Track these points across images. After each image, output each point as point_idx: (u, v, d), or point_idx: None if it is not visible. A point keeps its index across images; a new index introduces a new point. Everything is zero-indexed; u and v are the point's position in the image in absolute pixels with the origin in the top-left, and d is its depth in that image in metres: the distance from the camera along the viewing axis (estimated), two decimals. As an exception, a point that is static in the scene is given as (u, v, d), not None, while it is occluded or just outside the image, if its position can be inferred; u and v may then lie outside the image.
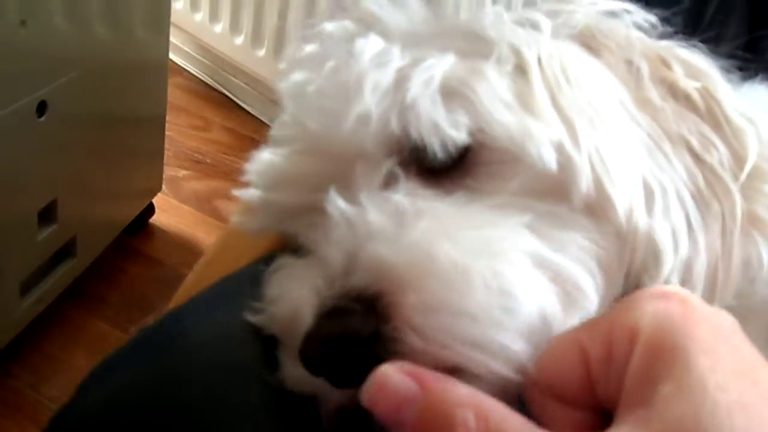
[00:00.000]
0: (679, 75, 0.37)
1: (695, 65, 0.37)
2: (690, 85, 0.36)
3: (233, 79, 1.96)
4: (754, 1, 0.64)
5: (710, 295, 0.35)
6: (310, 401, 0.33)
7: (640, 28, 0.38)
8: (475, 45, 0.36)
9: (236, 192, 0.41)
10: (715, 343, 0.25)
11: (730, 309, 0.34)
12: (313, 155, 0.38)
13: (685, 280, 0.34)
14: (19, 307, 1.12)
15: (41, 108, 1.03)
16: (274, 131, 0.40)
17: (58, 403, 1.15)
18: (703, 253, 0.35)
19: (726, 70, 0.38)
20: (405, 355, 0.29)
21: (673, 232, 0.34)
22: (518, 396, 0.29)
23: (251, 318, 0.36)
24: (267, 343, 0.36)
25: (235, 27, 1.79)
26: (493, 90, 0.34)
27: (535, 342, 0.30)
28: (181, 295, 0.50)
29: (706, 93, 0.36)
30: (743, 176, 0.35)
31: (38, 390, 1.17)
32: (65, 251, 1.22)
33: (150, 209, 1.52)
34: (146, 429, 0.35)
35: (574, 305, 0.32)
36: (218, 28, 1.82)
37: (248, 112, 1.94)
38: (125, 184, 1.38)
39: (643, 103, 0.36)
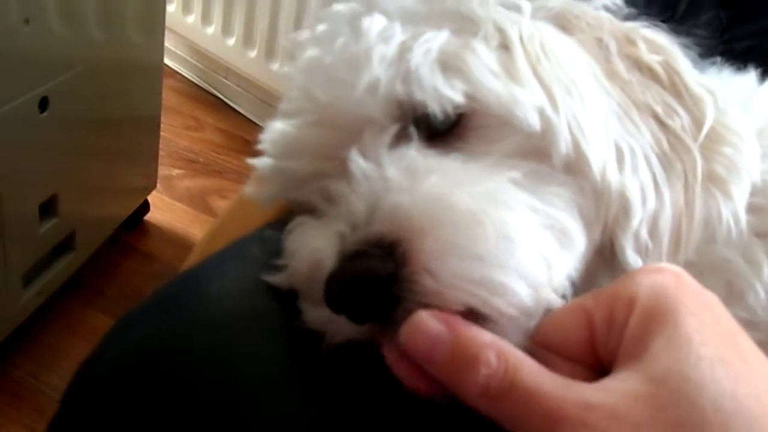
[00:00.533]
0: (643, 50, 0.41)
1: (657, 42, 0.42)
2: (653, 59, 0.41)
3: (225, 80, 1.99)
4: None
5: (675, 247, 0.39)
6: (318, 343, 0.37)
7: (608, 10, 0.43)
8: (464, 24, 0.40)
9: (250, 161, 0.44)
10: (702, 309, 0.29)
11: (692, 265, 0.38)
12: (323, 125, 0.41)
13: (653, 232, 0.38)
14: (21, 298, 1.16)
15: (43, 104, 1.06)
16: (284, 105, 0.44)
17: (58, 391, 1.19)
18: (668, 207, 0.38)
19: (686, 47, 0.42)
20: (420, 295, 0.32)
21: (641, 188, 0.38)
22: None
23: (269, 278, 0.40)
24: (277, 295, 0.40)
25: (227, 29, 1.82)
26: (483, 62, 0.38)
27: (541, 283, 0.34)
28: (192, 259, 0.54)
29: (668, 66, 0.41)
30: (701, 138, 0.39)
31: (39, 379, 1.20)
32: (65, 245, 1.26)
33: (145, 206, 1.56)
34: (169, 374, 0.37)
35: (566, 247, 0.36)
36: (210, 30, 1.85)
37: (239, 113, 1.98)
38: (122, 181, 1.42)
39: (612, 75, 0.40)
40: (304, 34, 0.45)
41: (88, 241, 1.32)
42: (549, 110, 0.37)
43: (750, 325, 0.37)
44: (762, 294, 0.39)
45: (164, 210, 1.62)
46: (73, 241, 1.27)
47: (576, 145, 0.37)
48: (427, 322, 0.31)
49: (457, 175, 0.36)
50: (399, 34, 0.39)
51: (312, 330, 0.37)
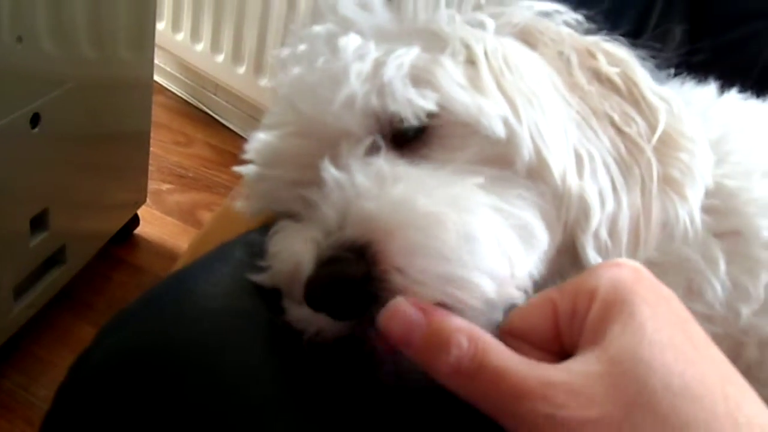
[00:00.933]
0: (602, 62, 0.44)
1: (616, 54, 0.44)
2: (612, 71, 0.43)
3: (214, 96, 2.02)
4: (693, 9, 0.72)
5: (634, 246, 0.41)
6: (296, 336, 0.40)
7: (569, 25, 0.46)
8: (433, 41, 0.43)
9: (236, 168, 0.47)
10: (656, 300, 0.32)
11: (655, 264, 0.41)
12: (303, 136, 0.44)
13: (612, 232, 0.41)
14: (12, 311, 1.17)
15: (35, 120, 1.08)
16: (267, 119, 0.46)
17: (48, 402, 1.19)
18: (626, 208, 0.41)
19: (642, 59, 0.45)
20: (392, 292, 0.35)
21: (600, 191, 0.41)
22: None
23: (253, 278, 0.42)
24: (259, 294, 0.42)
25: (215, 46, 1.84)
26: (450, 75, 0.41)
27: (503, 278, 0.36)
28: (180, 264, 0.56)
29: (626, 76, 0.43)
30: (654, 141, 0.42)
31: (29, 390, 1.21)
32: (55, 258, 1.27)
33: (135, 220, 1.58)
34: (158, 370, 0.39)
35: (530, 245, 0.39)
36: (199, 47, 1.87)
37: (229, 128, 2.00)
38: (112, 196, 1.43)
39: (573, 86, 0.43)
40: (285, 52, 0.47)
41: (79, 254, 1.34)
42: (512, 119, 0.40)
43: (708, 319, 0.40)
44: (719, 290, 0.41)
45: (154, 224, 1.64)
46: (64, 254, 1.28)
47: (538, 152, 0.40)
48: (404, 308, 0.34)
49: (422, 181, 0.38)
50: (373, 51, 0.41)
51: (293, 327, 0.40)
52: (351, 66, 0.41)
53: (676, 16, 0.73)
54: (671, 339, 0.30)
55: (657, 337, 0.30)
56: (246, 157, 0.46)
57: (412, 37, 0.43)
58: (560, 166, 0.40)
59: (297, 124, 0.44)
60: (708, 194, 0.43)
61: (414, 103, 0.40)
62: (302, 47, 0.46)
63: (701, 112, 0.47)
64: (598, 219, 0.40)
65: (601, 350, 0.31)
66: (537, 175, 0.40)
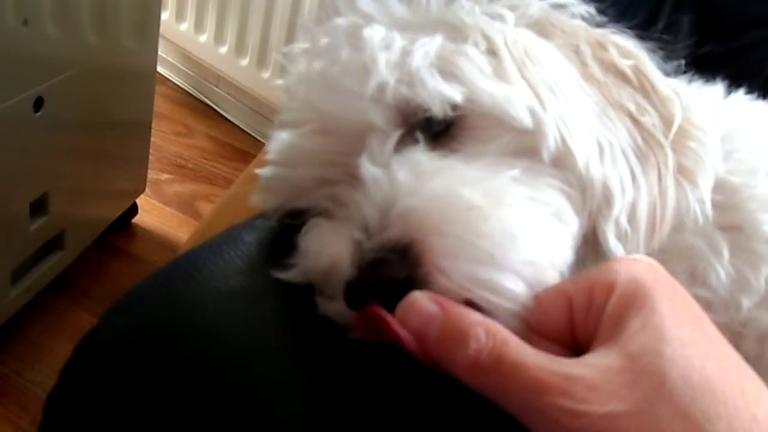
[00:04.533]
0: (614, 55, 0.44)
1: (626, 47, 0.45)
2: (624, 63, 0.44)
3: (215, 88, 2.02)
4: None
5: (651, 233, 0.42)
6: (305, 319, 0.40)
7: (581, 18, 0.46)
8: (453, 32, 0.43)
9: (257, 171, 0.46)
10: (673, 296, 0.32)
11: (661, 251, 0.41)
12: (326, 133, 0.43)
13: (631, 219, 0.41)
14: (8, 295, 1.17)
15: (38, 104, 1.08)
16: (285, 116, 0.46)
17: (42, 388, 1.20)
18: (645, 195, 0.41)
19: (651, 51, 0.46)
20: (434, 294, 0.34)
21: (620, 179, 0.41)
22: None
23: (281, 275, 0.42)
24: (264, 275, 0.42)
25: (219, 37, 1.84)
26: (476, 65, 0.41)
27: (542, 268, 0.36)
28: (184, 247, 0.56)
29: (637, 69, 0.44)
30: (672, 134, 0.42)
31: (23, 375, 1.21)
32: (53, 244, 1.27)
33: (133, 209, 1.57)
34: (166, 350, 0.40)
35: (563, 229, 0.39)
36: (203, 38, 1.87)
37: (229, 121, 2.00)
38: (112, 183, 1.43)
39: (588, 77, 0.43)
40: (299, 47, 0.47)
41: (77, 241, 1.34)
42: (538, 109, 0.40)
43: (708, 305, 0.41)
44: (723, 276, 0.42)
45: (152, 213, 1.64)
46: (62, 240, 1.28)
47: (563, 141, 0.40)
48: (421, 302, 0.34)
49: (463, 174, 0.38)
50: (399, 41, 0.41)
51: (299, 310, 0.40)
52: (378, 55, 0.40)
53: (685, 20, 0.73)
54: (690, 335, 0.31)
55: (677, 333, 0.30)
56: (268, 157, 0.45)
57: (432, 28, 0.43)
58: (584, 154, 0.40)
59: (318, 122, 0.43)
60: (712, 189, 0.43)
61: (443, 94, 0.39)
62: (324, 41, 0.45)
63: (708, 109, 0.48)
64: (619, 206, 0.41)
65: (621, 345, 0.31)
66: (562, 163, 0.40)
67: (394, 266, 0.35)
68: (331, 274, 0.39)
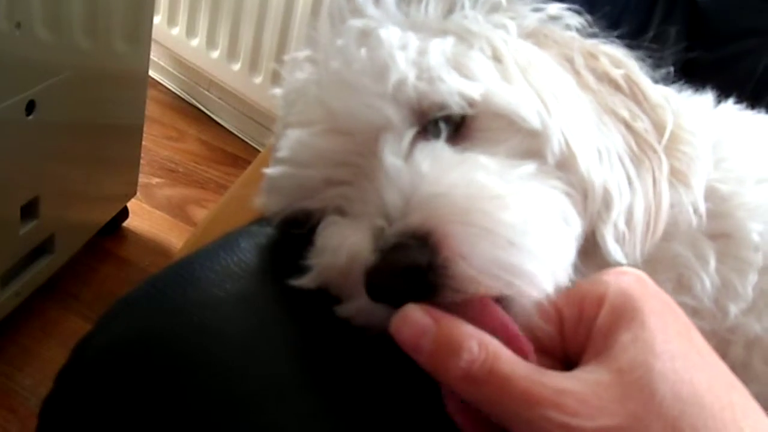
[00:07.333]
0: (606, 64, 0.45)
1: (616, 56, 0.46)
2: (615, 72, 0.45)
3: (207, 93, 2.02)
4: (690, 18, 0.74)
5: (646, 235, 0.43)
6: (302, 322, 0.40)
7: (573, 29, 0.47)
8: (461, 37, 0.44)
9: (265, 170, 0.45)
10: (663, 310, 0.33)
11: (645, 260, 0.42)
12: (337, 133, 0.43)
13: (629, 222, 0.42)
14: (-2, 298, 1.17)
15: (30, 107, 1.07)
16: (292, 117, 0.46)
17: (31, 391, 1.20)
18: (641, 199, 0.42)
19: (641, 60, 0.47)
20: (455, 280, 0.34)
21: (618, 183, 0.42)
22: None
23: (296, 282, 0.41)
24: (263, 281, 0.43)
25: (211, 42, 1.84)
26: (486, 68, 0.42)
27: (557, 266, 0.37)
28: (179, 253, 0.56)
29: (628, 78, 0.45)
30: (665, 140, 0.43)
31: (13, 379, 1.20)
32: (43, 248, 1.27)
33: (124, 213, 1.57)
34: (163, 357, 0.40)
35: (568, 232, 0.40)
36: (195, 42, 1.87)
37: (221, 125, 2.00)
38: (102, 187, 1.43)
39: (583, 86, 0.44)
40: (301, 54, 0.48)
41: (67, 244, 1.33)
42: (543, 111, 0.41)
43: (695, 313, 0.42)
44: (708, 284, 0.43)
45: (143, 217, 1.64)
46: (52, 244, 1.28)
47: (567, 143, 0.41)
48: (414, 314, 0.34)
49: (484, 165, 0.39)
50: (414, 40, 0.42)
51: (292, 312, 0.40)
52: (396, 53, 0.41)
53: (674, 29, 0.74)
54: (679, 348, 0.31)
55: (666, 347, 0.31)
56: (278, 155, 0.45)
57: (444, 30, 0.44)
58: (586, 157, 0.41)
59: (329, 122, 0.43)
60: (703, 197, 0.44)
61: (461, 89, 0.40)
62: (338, 42, 0.45)
63: (698, 118, 0.49)
64: (618, 209, 0.42)
65: (612, 359, 0.31)
66: (566, 167, 0.41)
67: (416, 252, 0.34)
68: (350, 270, 0.38)
